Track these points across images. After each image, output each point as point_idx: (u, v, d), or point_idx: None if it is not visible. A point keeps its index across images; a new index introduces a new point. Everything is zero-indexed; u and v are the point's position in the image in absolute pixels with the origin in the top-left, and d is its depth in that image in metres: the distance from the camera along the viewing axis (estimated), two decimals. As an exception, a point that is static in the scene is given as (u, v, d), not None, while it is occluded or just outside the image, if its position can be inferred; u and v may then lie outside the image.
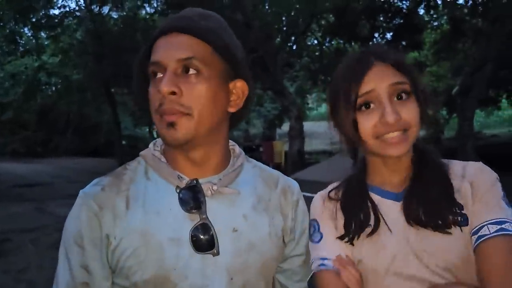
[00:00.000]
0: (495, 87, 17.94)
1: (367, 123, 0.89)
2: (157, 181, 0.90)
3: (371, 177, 1.01)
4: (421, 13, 16.46)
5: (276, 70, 14.41)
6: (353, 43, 17.06)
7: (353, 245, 0.96)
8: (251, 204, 0.94)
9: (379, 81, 0.88)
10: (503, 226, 0.85)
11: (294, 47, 16.77)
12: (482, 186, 0.91)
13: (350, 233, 0.96)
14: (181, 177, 0.89)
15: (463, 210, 0.89)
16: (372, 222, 0.95)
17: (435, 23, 17.94)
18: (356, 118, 0.90)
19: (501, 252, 0.82)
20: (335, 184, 1.07)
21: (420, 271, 0.89)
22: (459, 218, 0.88)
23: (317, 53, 17.26)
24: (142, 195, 0.88)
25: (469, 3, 11.82)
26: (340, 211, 1.00)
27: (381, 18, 17.14)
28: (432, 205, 0.89)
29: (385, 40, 17.93)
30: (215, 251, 0.85)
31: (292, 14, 12.24)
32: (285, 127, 17.04)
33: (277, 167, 14.81)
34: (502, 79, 16.75)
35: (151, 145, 0.96)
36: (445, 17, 16.11)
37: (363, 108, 0.90)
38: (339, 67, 0.97)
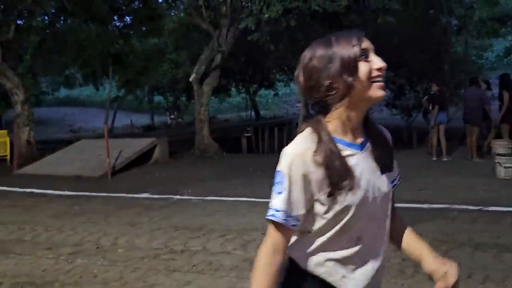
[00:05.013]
0: (226, 76, 19.74)
1: (366, 68, 1.20)
2: None
3: (335, 132, 1.24)
4: (160, 0, 16.63)
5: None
6: (90, 23, 15.95)
7: (335, 197, 1.19)
8: None
9: (368, 43, 1.24)
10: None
11: (20, 22, 14.51)
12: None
13: (336, 187, 1.18)
14: None
15: None
16: (347, 172, 1.20)
17: (173, 12, 18.45)
18: (358, 66, 1.19)
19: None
20: (301, 141, 1.22)
21: (377, 207, 1.26)
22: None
23: (48, 31, 15.39)
24: None
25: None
26: (318, 167, 1.18)
27: (120, 1, 16.56)
28: (390, 153, 1.33)
29: (124, 23, 17.45)
30: None
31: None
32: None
33: (1, 160, 12.61)
34: (231, 70, 18.57)
35: None
36: (182, 7, 16.67)
37: (363, 58, 1.20)
38: (318, 46, 1.25)
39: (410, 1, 12.36)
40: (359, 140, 1.27)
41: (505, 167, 7.13)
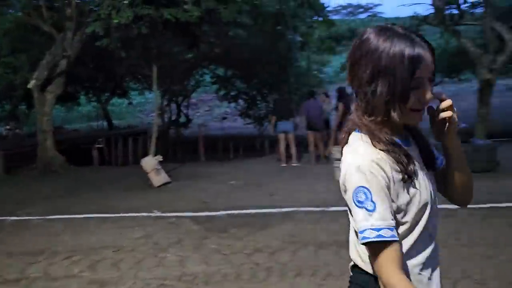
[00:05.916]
0: (73, 83, 18.39)
1: (414, 99, 1.15)
2: None
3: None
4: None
5: None
6: None
7: (411, 182, 1.18)
8: None
9: (432, 68, 1.17)
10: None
11: None
12: None
13: (408, 171, 1.17)
14: None
15: None
16: (410, 156, 1.20)
17: (10, 10, 16.55)
18: (410, 96, 1.15)
19: None
20: (366, 150, 1.17)
21: (434, 202, 1.26)
22: None
23: None
24: None
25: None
26: (393, 165, 1.16)
27: None
28: (431, 150, 1.31)
29: None
30: None
31: None
32: None
33: None
34: (79, 76, 17.32)
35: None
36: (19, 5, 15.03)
37: (419, 87, 1.15)
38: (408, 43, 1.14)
39: (259, 16, 13.03)
40: (403, 137, 1.25)
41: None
